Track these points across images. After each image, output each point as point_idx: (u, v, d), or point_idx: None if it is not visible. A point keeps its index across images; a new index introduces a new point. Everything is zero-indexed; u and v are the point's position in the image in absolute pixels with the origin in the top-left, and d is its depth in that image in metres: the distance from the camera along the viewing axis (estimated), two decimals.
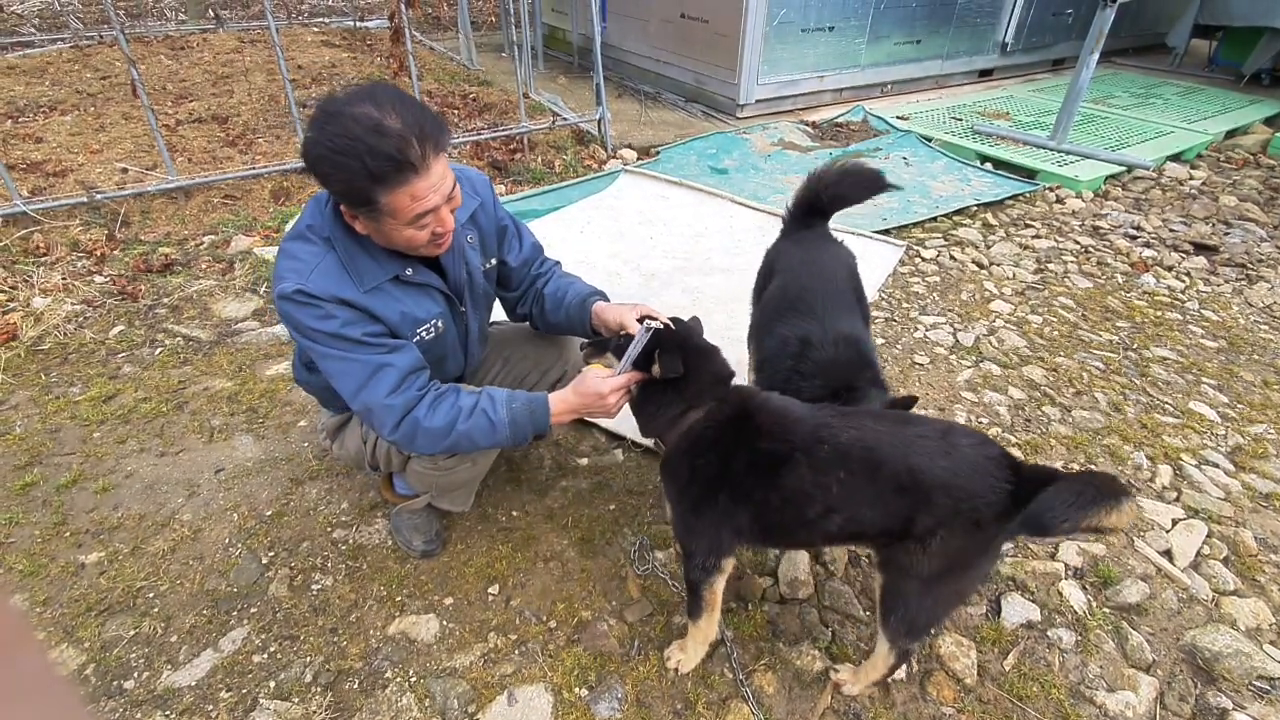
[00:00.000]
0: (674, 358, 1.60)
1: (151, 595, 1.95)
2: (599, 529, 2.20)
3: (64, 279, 3.32)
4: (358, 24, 8.31)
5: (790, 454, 1.51)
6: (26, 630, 0.27)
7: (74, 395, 2.68)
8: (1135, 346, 3.25)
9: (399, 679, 1.76)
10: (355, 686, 1.75)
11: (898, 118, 6.18)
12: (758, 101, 6.03)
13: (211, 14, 8.03)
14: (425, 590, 2.00)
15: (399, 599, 1.97)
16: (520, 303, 2.06)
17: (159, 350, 2.95)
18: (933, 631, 1.66)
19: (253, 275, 3.48)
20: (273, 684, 1.74)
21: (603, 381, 1.64)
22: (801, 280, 2.13)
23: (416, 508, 2.07)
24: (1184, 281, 3.86)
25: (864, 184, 2.35)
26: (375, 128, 1.31)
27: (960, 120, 6.24)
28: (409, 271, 1.62)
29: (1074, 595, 2.04)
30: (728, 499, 1.57)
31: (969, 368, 3.05)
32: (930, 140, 5.70)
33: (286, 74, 4.09)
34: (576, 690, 1.75)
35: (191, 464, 2.40)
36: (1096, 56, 5.06)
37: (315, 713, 1.68)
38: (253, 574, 2.02)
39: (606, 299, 1.95)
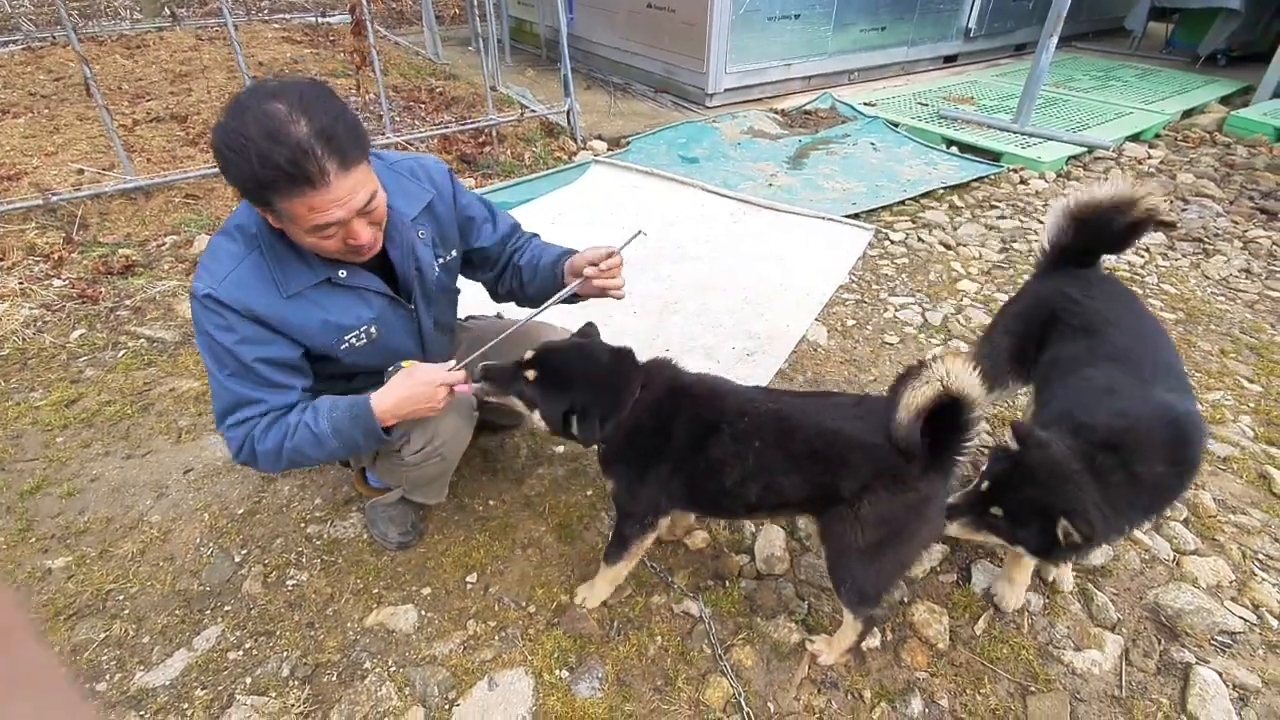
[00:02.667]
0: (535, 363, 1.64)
1: (121, 597, 1.92)
2: (576, 514, 2.21)
3: (20, 283, 3.23)
4: (319, 19, 8.18)
5: (717, 425, 1.61)
6: (24, 622, 0.27)
7: (35, 400, 2.62)
8: None
9: (378, 669, 1.75)
10: (334, 679, 1.73)
11: (865, 104, 6.24)
12: (726, 90, 6.05)
13: (168, 12, 7.84)
14: (403, 581, 1.99)
15: (376, 591, 1.96)
16: (500, 282, 2.01)
17: (122, 353, 2.89)
18: (885, 598, 1.69)
19: None
20: (249, 679, 1.72)
21: (435, 372, 1.58)
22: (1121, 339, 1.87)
23: (390, 501, 2.06)
24: (1144, 257, 3.96)
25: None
26: (273, 133, 1.23)
27: (926, 105, 6.32)
28: (341, 274, 1.56)
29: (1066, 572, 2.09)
30: (666, 467, 1.66)
31: (938, 345, 3.10)
32: (897, 126, 5.77)
33: (247, 71, 4.02)
34: (557, 672, 1.76)
35: (159, 465, 2.35)
36: (1056, 40, 5.15)
37: (293, 706, 1.66)
38: (225, 572, 2.00)
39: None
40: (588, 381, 1.62)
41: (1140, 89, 6.98)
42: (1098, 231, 2.04)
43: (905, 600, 1.97)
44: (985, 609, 1.95)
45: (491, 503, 2.25)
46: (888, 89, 6.87)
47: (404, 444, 1.76)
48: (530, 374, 1.62)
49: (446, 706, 1.67)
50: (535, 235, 2.03)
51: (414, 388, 1.55)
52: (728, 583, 2.01)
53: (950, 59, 7.81)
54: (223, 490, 2.26)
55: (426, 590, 1.97)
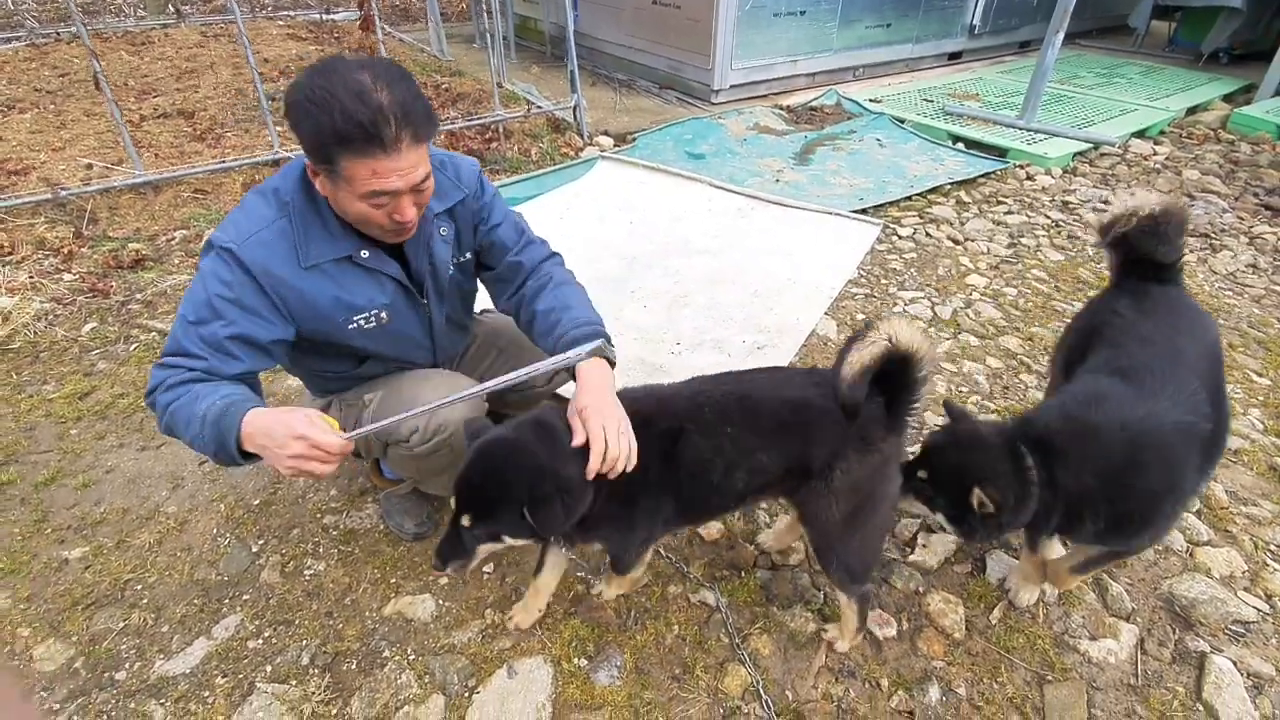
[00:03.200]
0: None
1: (139, 587, 1.92)
2: None
3: (31, 277, 3.24)
4: (324, 16, 8.18)
5: (676, 429, 1.52)
6: None
7: (48, 393, 2.62)
8: None
9: (397, 657, 1.76)
10: (354, 667, 1.74)
11: (870, 100, 6.24)
12: (732, 87, 6.05)
13: (172, 9, 7.84)
14: (420, 571, 1.99)
15: (393, 581, 1.96)
16: (502, 294, 1.86)
17: (134, 346, 2.89)
18: (871, 571, 1.72)
19: None
20: (269, 668, 1.73)
21: (304, 425, 1.29)
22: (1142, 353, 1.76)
23: (403, 492, 2.07)
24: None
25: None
26: (359, 94, 1.29)
27: (931, 102, 6.32)
28: (364, 254, 1.56)
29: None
30: (650, 500, 1.54)
31: (947, 339, 3.11)
32: (903, 122, 5.77)
33: (255, 67, 4.02)
34: (576, 661, 1.76)
35: (174, 457, 2.36)
36: (1061, 37, 5.15)
37: (314, 693, 1.67)
38: (243, 562, 2.00)
39: (603, 347, 1.61)
40: (524, 480, 1.37)
41: (1144, 86, 6.98)
42: (1144, 244, 1.88)
43: (921, 590, 1.98)
44: (1000, 599, 1.96)
45: None
46: (893, 85, 6.87)
47: (412, 434, 1.69)
48: (465, 521, 1.41)
49: (466, 694, 1.68)
50: (555, 259, 1.87)
51: (275, 426, 1.30)
52: (743, 573, 2.01)
53: (955, 56, 7.81)
54: (238, 482, 2.27)
55: (444, 580, 1.97)
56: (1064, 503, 1.60)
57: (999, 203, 4.53)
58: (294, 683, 1.69)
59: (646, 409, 1.52)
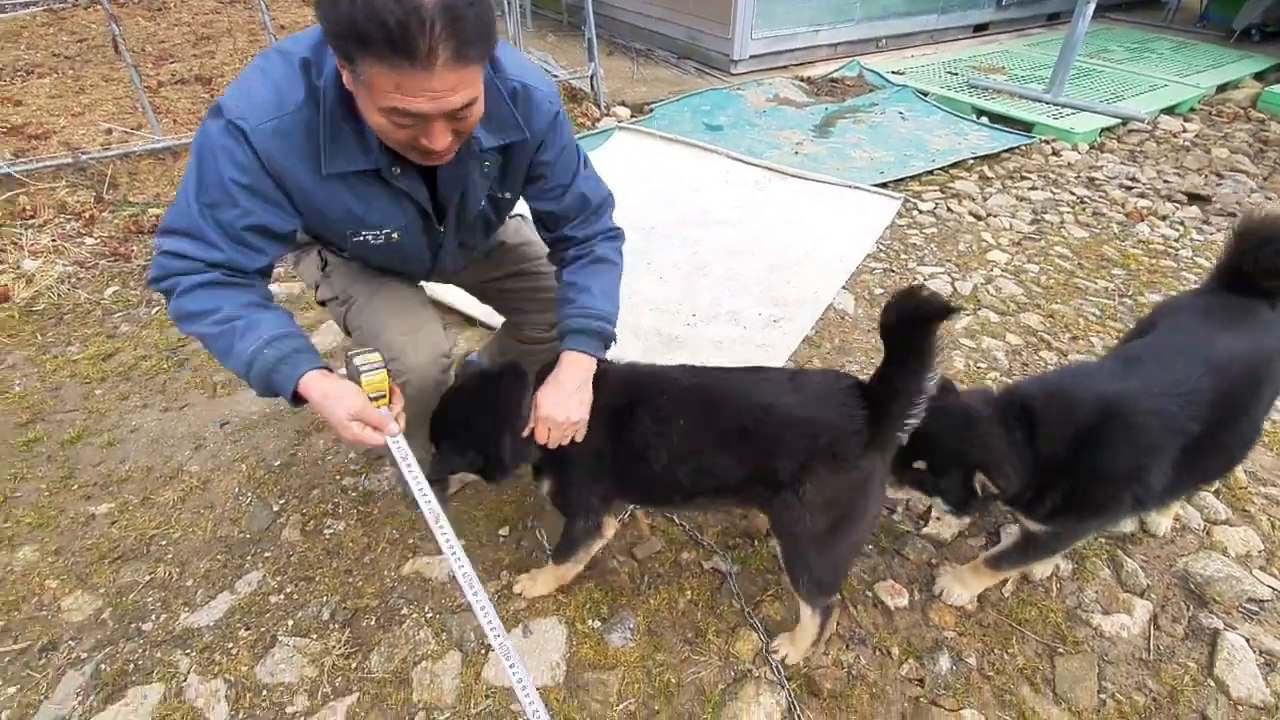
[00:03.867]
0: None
1: (164, 542, 1.97)
2: None
3: (54, 241, 3.27)
4: None
5: (630, 406, 1.56)
6: None
7: (72, 354, 2.67)
8: (1130, 293, 3.28)
9: (415, 615, 1.79)
10: (372, 623, 1.78)
11: (893, 73, 6.11)
12: (752, 57, 5.94)
13: None
14: None
15: (411, 541, 1.99)
16: (549, 247, 1.78)
17: (155, 309, 2.92)
18: (841, 584, 1.66)
19: None
20: (291, 622, 1.77)
21: (367, 413, 1.31)
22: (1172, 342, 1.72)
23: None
24: (1178, 230, 3.88)
25: None
26: None
27: (956, 75, 6.17)
28: (396, 171, 1.35)
29: None
30: (591, 461, 1.60)
31: (967, 315, 3.07)
32: (926, 95, 5.65)
33: (272, 33, 3.99)
34: (590, 622, 1.79)
35: (196, 418, 2.40)
36: (1091, 8, 5.00)
37: (334, 647, 1.71)
38: (264, 520, 2.04)
39: (588, 346, 1.59)
40: (472, 417, 1.56)
41: (1175, 62, 6.77)
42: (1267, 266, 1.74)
43: (934, 563, 1.98)
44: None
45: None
46: (916, 57, 6.71)
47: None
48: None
49: (483, 651, 1.71)
50: (611, 236, 1.72)
51: (336, 408, 1.30)
52: (756, 541, 2.03)
53: (981, 28, 7.60)
54: (259, 443, 2.30)
55: (460, 542, 1.99)
56: (1036, 473, 1.57)
57: (1023, 178, 4.44)
58: (315, 636, 1.73)
59: (612, 382, 1.61)
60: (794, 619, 1.82)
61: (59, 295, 2.97)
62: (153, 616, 1.79)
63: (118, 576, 1.88)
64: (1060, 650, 1.76)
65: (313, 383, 1.31)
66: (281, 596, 1.83)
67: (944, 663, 1.73)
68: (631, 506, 2.10)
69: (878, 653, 1.76)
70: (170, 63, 5.37)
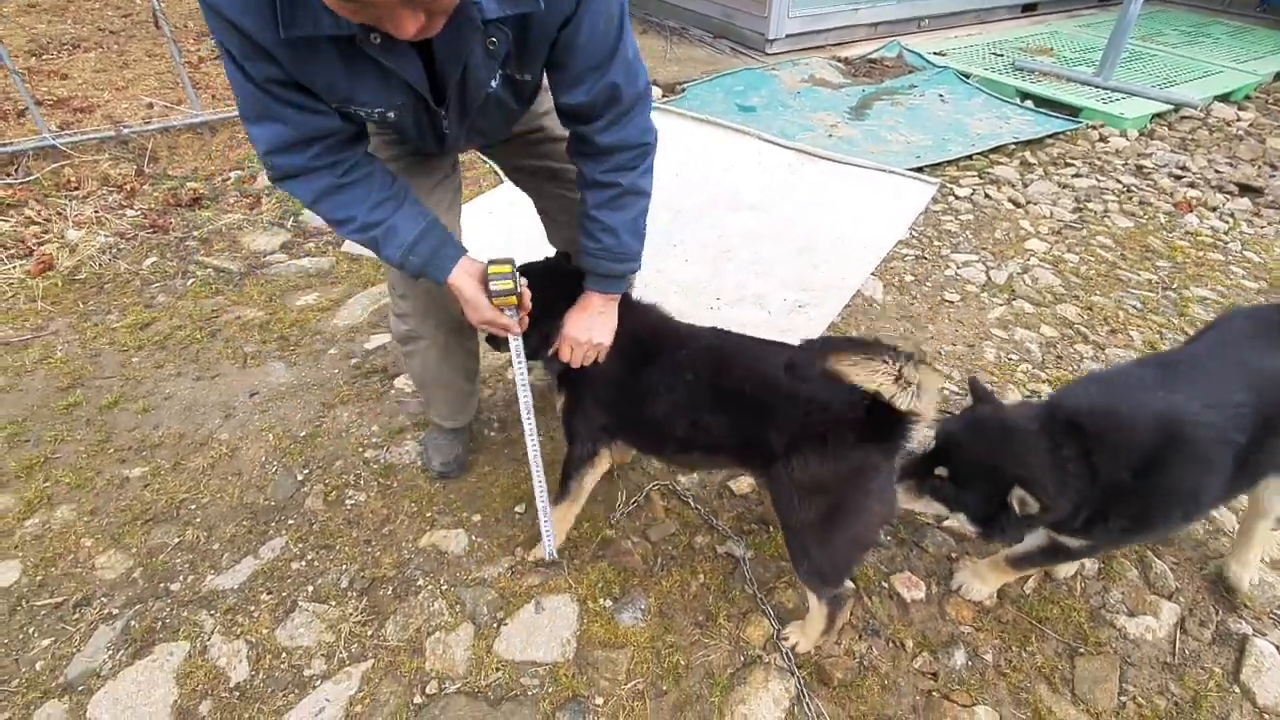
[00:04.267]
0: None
1: (193, 507, 2.03)
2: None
3: (96, 212, 3.36)
4: None
5: (652, 350, 1.64)
6: None
7: (111, 323, 2.75)
8: (1175, 286, 3.15)
9: (430, 586, 1.83)
10: (389, 593, 1.82)
11: (935, 54, 5.92)
12: (788, 37, 5.80)
13: None
14: (454, 507, 2.05)
15: (429, 515, 2.03)
16: (569, 152, 1.58)
17: (191, 281, 3.00)
18: (845, 579, 1.60)
19: (280, 209, 3.49)
20: (311, 588, 1.82)
21: (495, 314, 1.51)
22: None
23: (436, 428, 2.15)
24: (1227, 223, 3.71)
25: None
26: None
27: (1001, 56, 5.96)
28: (375, 39, 1.10)
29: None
30: (604, 389, 1.69)
31: (1000, 305, 2.99)
32: (969, 77, 5.46)
33: None
34: (601, 601, 1.80)
35: (227, 388, 2.46)
36: None
37: (351, 614, 1.75)
38: (289, 489, 2.09)
39: (613, 288, 1.63)
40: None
41: (1231, 47, 6.44)
42: None
43: (954, 556, 1.95)
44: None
45: (539, 440, 2.29)
46: (960, 38, 6.49)
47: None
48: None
49: (495, 625, 1.74)
50: (629, 175, 1.52)
51: (473, 307, 1.51)
52: (771, 528, 2.01)
53: (1030, 7, 7.31)
54: (285, 413, 2.36)
55: (477, 517, 2.02)
56: (1097, 497, 1.45)
57: (1066, 165, 4.28)
58: (333, 603, 1.78)
59: (643, 322, 1.70)
60: (806, 607, 1.81)
61: (100, 265, 3.06)
62: (180, 577, 1.85)
63: (149, 538, 1.94)
64: (1081, 650, 1.72)
65: (455, 286, 1.49)
66: (303, 563, 1.88)
67: (959, 657, 1.71)
68: (649, 484, 2.11)
69: (891, 644, 1.74)
70: (210, 38, 5.45)
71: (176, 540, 1.94)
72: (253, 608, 1.77)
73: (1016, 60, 5.77)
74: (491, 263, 1.48)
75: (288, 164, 1.31)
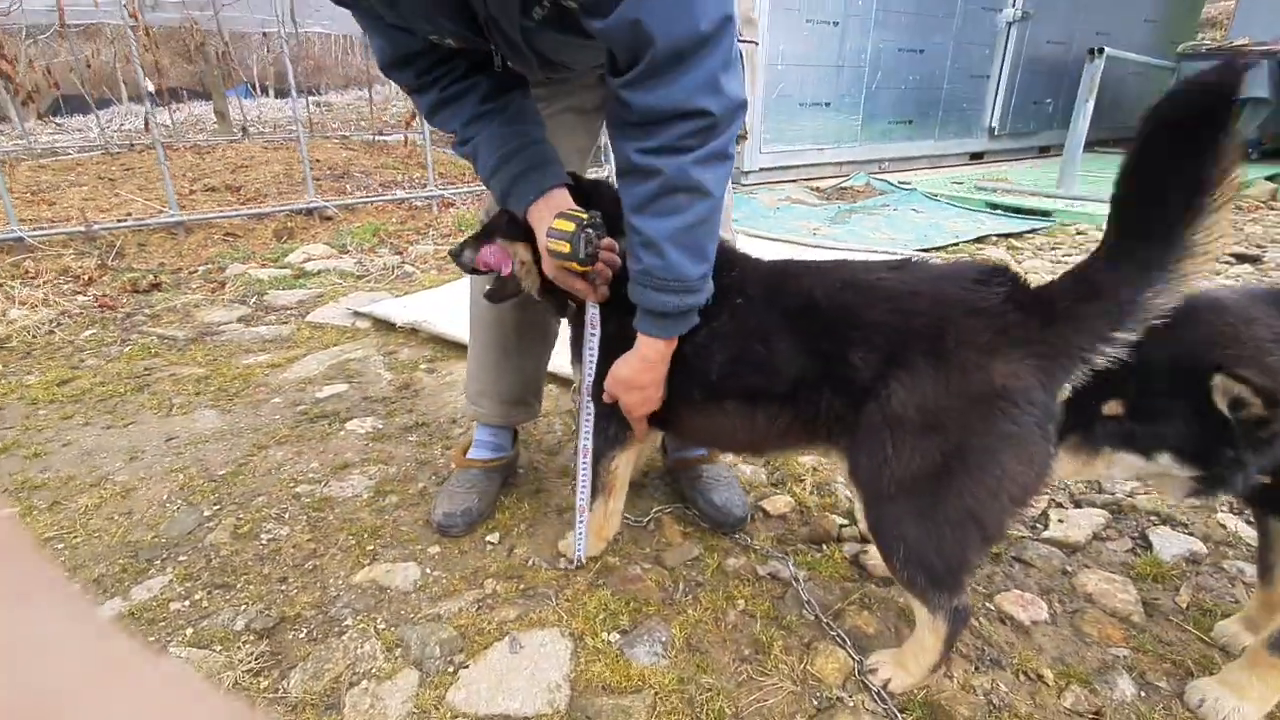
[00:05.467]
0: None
1: (60, 546, 1.53)
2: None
3: (46, 296, 3.11)
4: (375, 137, 8.83)
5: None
6: (26, 538, 0.26)
7: (27, 381, 2.36)
8: None
9: (361, 626, 1.30)
10: (300, 635, 1.28)
11: (900, 183, 6.28)
12: (761, 170, 6.16)
13: (239, 130, 8.56)
14: (405, 540, 1.56)
15: (370, 548, 1.53)
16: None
17: (129, 347, 2.66)
18: (966, 576, 1.09)
19: (245, 290, 3.27)
20: (190, 631, 1.28)
21: (550, 267, 1.27)
22: None
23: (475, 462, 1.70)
24: (1238, 282, 3.61)
25: None
26: None
27: (962, 184, 6.33)
28: None
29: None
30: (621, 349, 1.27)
31: None
32: (937, 197, 5.73)
33: (308, 159, 4.15)
34: (604, 635, 1.28)
35: (140, 434, 2.03)
36: (1091, 104, 5.19)
37: (242, 661, 1.20)
38: (188, 525, 1.60)
39: (659, 331, 1.23)
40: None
41: None
42: None
43: (1069, 570, 1.47)
44: (1185, 577, 1.43)
45: (520, 470, 1.85)
46: (919, 176, 6.95)
47: None
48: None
49: (451, 670, 1.20)
50: (675, 166, 1.09)
51: (543, 250, 1.24)
52: (824, 546, 1.54)
53: (977, 156, 7.99)
54: (205, 456, 1.91)
55: (435, 549, 1.53)
56: None
57: (1054, 248, 4.28)
58: (218, 648, 1.23)
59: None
60: (892, 632, 1.30)
61: (34, 335, 2.74)
62: None
63: None
64: None
65: (532, 224, 1.27)
66: (185, 604, 1.35)
67: (1126, 687, 1.18)
68: (656, 508, 1.65)
69: (1022, 677, 1.21)
70: (206, 178, 5.64)
71: None
72: None
73: (978, 184, 6.11)
74: (560, 215, 1.19)
75: (401, 80, 1.32)
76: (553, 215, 1.20)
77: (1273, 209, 5.55)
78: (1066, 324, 0.97)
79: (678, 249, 1.12)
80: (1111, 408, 1.03)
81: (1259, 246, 4.40)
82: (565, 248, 1.16)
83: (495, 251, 1.38)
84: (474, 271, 1.44)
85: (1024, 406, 0.97)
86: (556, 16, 1.09)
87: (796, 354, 1.13)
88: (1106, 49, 5.04)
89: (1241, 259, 4.02)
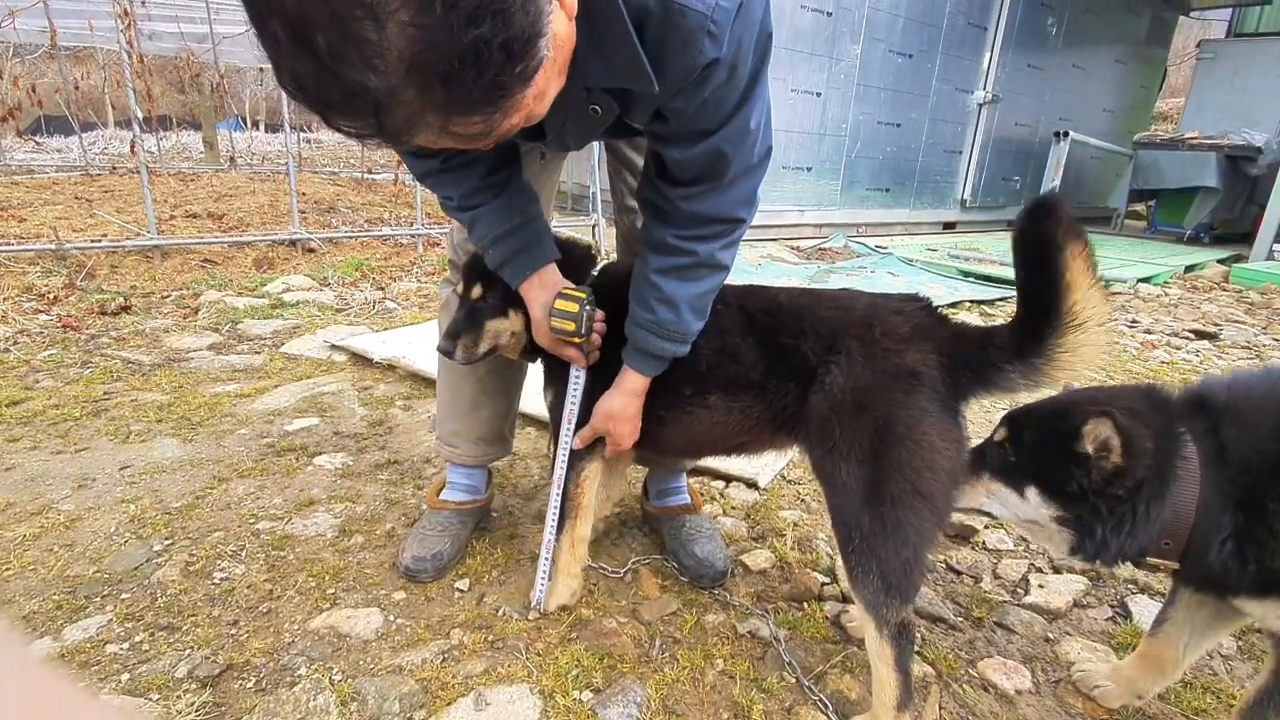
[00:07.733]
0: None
1: None
2: (600, 527, 1.74)
3: (4, 312, 3.00)
4: (364, 175, 8.88)
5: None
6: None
7: None
8: None
9: (316, 675, 1.21)
10: (248, 685, 1.19)
11: (877, 246, 6.46)
12: None
13: (227, 160, 8.54)
14: (369, 583, 1.48)
15: (331, 592, 1.45)
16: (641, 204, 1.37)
17: (89, 370, 2.56)
18: (915, 575, 1.12)
19: (218, 318, 3.19)
20: (126, 677, 1.18)
21: (545, 341, 1.38)
22: None
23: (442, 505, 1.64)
24: (1197, 356, 3.74)
25: None
26: (342, 23, 0.65)
27: (936, 251, 6.53)
28: None
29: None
30: (596, 372, 1.40)
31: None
32: (912, 262, 5.90)
33: (295, 189, 4.16)
34: (575, 694, 1.21)
35: (92, 461, 1.92)
36: (1058, 183, 5.44)
37: (181, 712, 1.11)
38: (135, 559, 1.50)
39: (648, 368, 1.34)
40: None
41: (1140, 251, 7.28)
42: None
43: (1051, 638, 1.45)
44: None
45: (494, 514, 1.79)
46: (895, 241, 7.17)
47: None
48: (475, 293, 1.43)
49: None
50: (706, 246, 1.24)
51: (538, 323, 1.35)
52: (805, 604, 1.49)
53: (950, 225, 8.29)
54: (161, 486, 1.82)
55: (400, 595, 1.46)
56: (1237, 503, 0.99)
57: None
58: (155, 697, 1.14)
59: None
60: (867, 685, 1.25)
61: None
62: None
63: None
64: None
65: (525, 297, 1.35)
66: (124, 646, 1.25)
67: None
68: (634, 559, 1.60)
69: None
70: (189, 205, 5.57)
71: None
72: None
73: (951, 251, 6.32)
74: (561, 294, 1.31)
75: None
76: (546, 292, 1.33)
77: (1225, 290, 5.81)
78: (970, 341, 1.16)
79: (691, 310, 1.27)
80: (1002, 434, 1.17)
81: (1215, 324, 4.58)
82: (571, 326, 1.29)
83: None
84: (467, 362, 1.43)
85: (933, 387, 1.13)
86: (614, 126, 1.15)
87: (765, 345, 1.28)
88: (1071, 133, 5.31)
89: (1200, 335, 4.18)
